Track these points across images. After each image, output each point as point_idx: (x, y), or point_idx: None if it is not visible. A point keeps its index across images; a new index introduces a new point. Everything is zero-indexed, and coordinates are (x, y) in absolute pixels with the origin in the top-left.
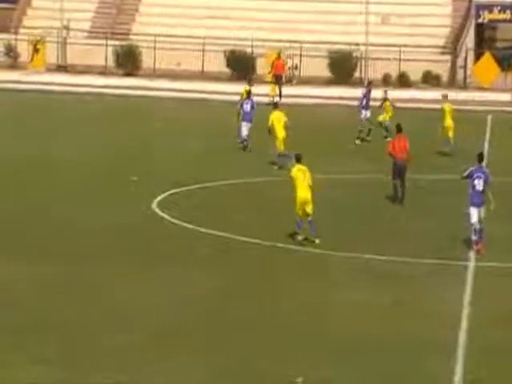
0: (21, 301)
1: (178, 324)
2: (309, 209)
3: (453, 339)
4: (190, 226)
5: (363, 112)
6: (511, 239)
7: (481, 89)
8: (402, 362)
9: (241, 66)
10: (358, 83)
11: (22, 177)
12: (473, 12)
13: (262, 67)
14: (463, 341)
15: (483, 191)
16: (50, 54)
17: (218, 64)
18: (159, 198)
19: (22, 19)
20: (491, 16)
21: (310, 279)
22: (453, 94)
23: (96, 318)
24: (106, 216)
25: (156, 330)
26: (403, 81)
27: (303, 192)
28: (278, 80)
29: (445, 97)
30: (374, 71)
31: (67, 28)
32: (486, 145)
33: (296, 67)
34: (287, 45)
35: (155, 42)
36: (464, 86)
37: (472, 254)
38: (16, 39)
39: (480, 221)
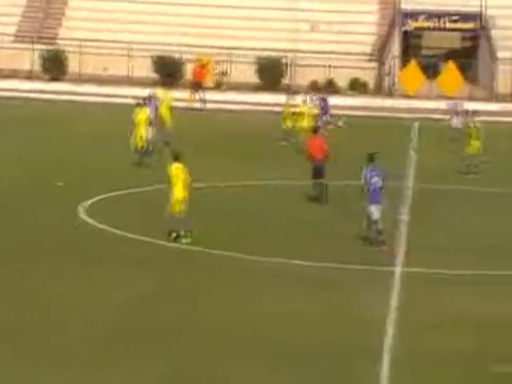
0: None
1: (110, 328)
2: (182, 206)
3: (379, 345)
4: (118, 232)
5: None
6: (436, 245)
7: (407, 96)
8: (329, 367)
9: (168, 71)
10: (286, 90)
11: None
12: (399, 20)
13: (191, 73)
14: (389, 347)
15: (382, 188)
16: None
17: (145, 69)
18: (86, 204)
19: None
20: (417, 24)
21: (239, 285)
22: (379, 102)
23: (30, 319)
24: (31, 221)
25: (91, 333)
26: (330, 87)
27: (180, 190)
28: (197, 87)
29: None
30: (302, 78)
31: None
32: (413, 152)
33: (225, 73)
34: (216, 51)
35: (81, 46)
36: (390, 94)
37: (399, 260)
38: None
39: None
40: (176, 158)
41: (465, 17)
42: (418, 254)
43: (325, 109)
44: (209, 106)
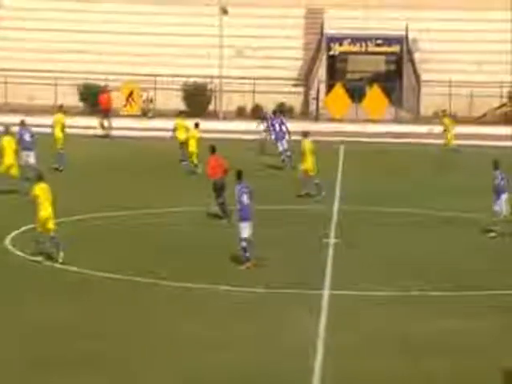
0: None
1: (29, 357)
2: (51, 224)
3: (307, 369)
4: (47, 263)
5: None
6: (362, 266)
7: (333, 120)
8: None
9: (95, 99)
10: (213, 115)
11: None
12: (324, 44)
13: (117, 101)
14: (318, 370)
15: (249, 205)
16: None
17: (71, 98)
18: (12, 235)
19: None
20: (342, 48)
21: (166, 311)
22: (306, 126)
23: None
24: None
25: (13, 362)
26: (257, 113)
27: (46, 209)
28: (105, 114)
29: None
30: (229, 104)
31: None
32: (339, 175)
33: (151, 100)
34: (142, 78)
35: (7, 76)
36: (316, 118)
37: (326, 283)
38: None
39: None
40: (39, 178)
41: (389, 40)
42: (345, 277)
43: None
44: (136, 133)
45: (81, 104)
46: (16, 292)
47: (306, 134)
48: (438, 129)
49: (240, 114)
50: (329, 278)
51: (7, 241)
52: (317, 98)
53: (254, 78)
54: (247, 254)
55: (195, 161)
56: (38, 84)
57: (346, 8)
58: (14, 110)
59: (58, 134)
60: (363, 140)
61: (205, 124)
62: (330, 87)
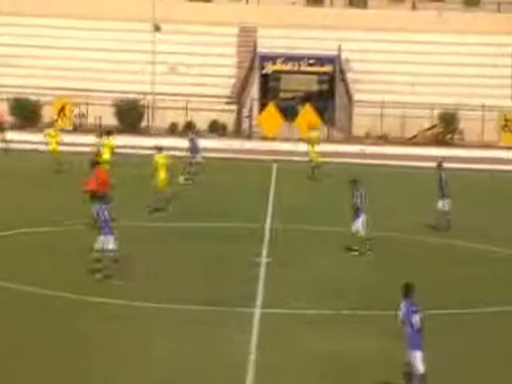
0: None
1: None
2: None
3: None
4: None
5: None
6: (294, 285)
7: (265, 138)
8: None
9: (26, 113)
10: (145, 132)
11: None
12: (257, 63)
13: (48, 115)
14: None
15: (111, 220)
16: None
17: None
18: None
19: None
20: (275, 67)
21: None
22: (238, 144)
23: None
24: None
25: None
26: (190, 130)
27: None
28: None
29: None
30: (162, 120)
31: None
32: (271, 193)
33: (83, 115)
34: (74, 93)
35: None
36: (249, 136)
37: (258, 302)
38: None
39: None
40: None
41: (321, 60)
42: (277, 295)
43: (195, 148)
44: (66, 148)
45: (9, 118)
46: None
47: (159, 149)
48: (369, 149)
49: (172, 130)
50: (260, 296)
51: None
52: (250, 117)
53: (187, 95)
54: (98, 265)
55: None
56: None
57: (279, 27)
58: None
59: None
60: (296, 159)
61: (136, 140)
62: (262, 106)
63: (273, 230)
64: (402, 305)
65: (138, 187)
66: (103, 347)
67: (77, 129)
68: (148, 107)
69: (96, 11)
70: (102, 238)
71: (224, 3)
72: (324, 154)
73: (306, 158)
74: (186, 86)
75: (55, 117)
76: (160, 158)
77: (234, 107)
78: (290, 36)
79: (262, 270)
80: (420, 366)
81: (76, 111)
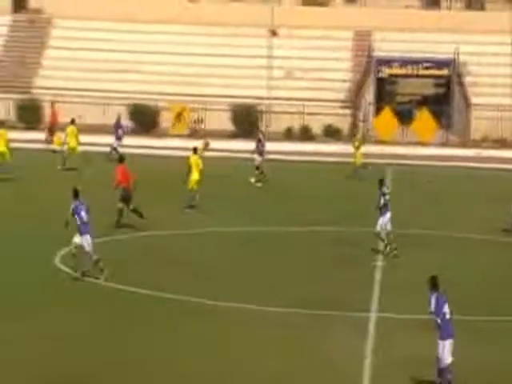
0: None
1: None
2: None
3: None
4: (87, 279)
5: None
6: (409, 289)
7: (381, 142)
8: None
9: (144, 119)
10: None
11: None
12: (373, 67)
13: (166, 121)
14: None
15: (87, 221)
16: None
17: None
18: (62, 252)
19: None
20: (391, 71)
21: (204, 332)
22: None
23: None
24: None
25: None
26: (306, 134)
27: None
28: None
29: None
30: (277, 125)
31: None
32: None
33: (200, 121)
34: (192, 98)
35: (57, 95)
36: (364, 140)
37: (373, 305)
38: None
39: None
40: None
41: (438, 63)
42: (392, 299)
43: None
44: (184, 153)
45: (130, 124)
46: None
47: (195, 150)
48: (486, 153)
49: (288, 135)
50: (375, 299)
51: (58, 257)
52: (365, 121)
53: (303, 100)
54: (97, 267)
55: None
56: (88, 104)
57: (394, 30)
58: (62, 129)
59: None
60: (411, 162)
61: (252, 145)
62: (378, 110)
63: (389, 234)
64: (433, 296)
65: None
66: (218, 350)
67: (193, 134)
68: (264, 112)
69: (213, 17)
70: (83, 238)
71: (339, 7)
72: (440, 158)
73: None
74: (302, 90)
75: (172, 122)
76: (194, 159)
77: (348, 111)
78: (406, 39)
79: (378, 273)
80: (448, 356)
81: (193, 117)
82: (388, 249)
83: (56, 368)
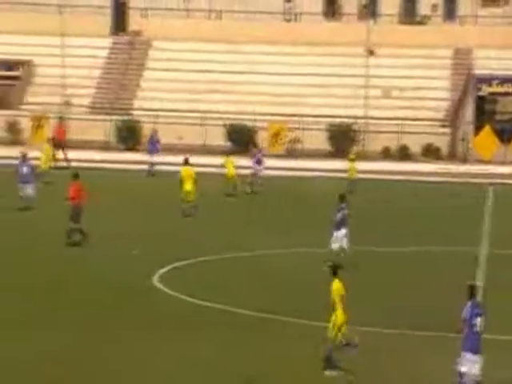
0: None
1: None
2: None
3: None
4: (191, 299)
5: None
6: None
7: (481, 161)
8: None
9: (241, 139)
10: (358, 156)
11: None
12: (472, 85)
13: (263, 140)
14: None
15: None
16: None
17: (218, 137)
18: (161, 272)
19: (25, 95)
20: (491, 89)
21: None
22: (453, 167)
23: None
24: (108, 280)
25: None
26: (403, 154)
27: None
28: (59, 145)
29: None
30: (374, 144)
31: (68, 103)
32: (488, 217)
33: (298, 140)
34: (288, 118)
35: (156, 116)
36: (464, 159)
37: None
38: (18, 115)
39: None
40: None
41: None
42: (495, 320)
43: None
44: (282, 173)
45: (228, 144)
46: (160, 328)
47: (186, 162)
48: None
49: (385, 154)
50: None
51: (156, 277)
52: (465, 140)
53: (400, 119)
54: None
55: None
56: (187, 124)
57: (495, 48)
58: (164, 150)
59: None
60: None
61: (347, 165)
62: (477, 128)
63: (490, 255)
64: (468, 305)
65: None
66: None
67: (290, 154)
68: (361, 131)
69: (310, 37)
70: None
71: (438, 25)
72: None
73: None
74: (399, 109)
75: (270, 142)
76: (185, 171)
77: (447, 130)
78: (507, 57)
79: (479, 294)
80: (466, 369)
81: (289, 136)
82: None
83: None
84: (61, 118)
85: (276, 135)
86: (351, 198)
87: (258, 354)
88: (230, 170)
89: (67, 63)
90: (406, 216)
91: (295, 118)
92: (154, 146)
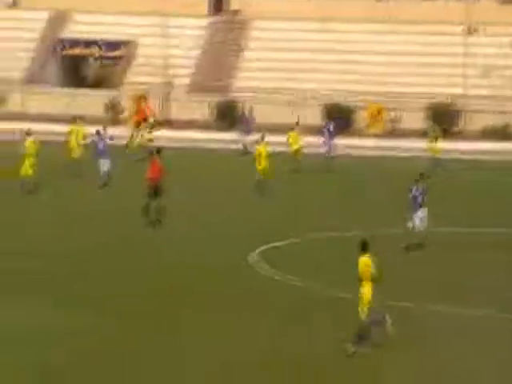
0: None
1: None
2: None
3: None
4: (289, 277)
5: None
6: None
7: None
8: None
9: (341, 118)
10: (457, 136)
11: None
12: None
13: (361, 120)
14: None
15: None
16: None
17: (316, 117)
18: (260, 249)
19: (126, 75)
20: None
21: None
22: None
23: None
24: (203, 262)
25: None
26: (504, 133)
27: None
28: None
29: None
30: (474, 123)
31: (170, 83)
32: None
33: (396, 120)
34: (387, 98)
35: (254, 96)
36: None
37: None
38: (119, 95)
39: None
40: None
41: None
42: None
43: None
44: (380, 152)
45: (324, 123)
46: (257, 309)
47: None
48: None
49: (485, 134)
50: None
51: (255, 255)
52: None
53: (501, 98)
54: None
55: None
56: (284, 104)
57: None
58: (261, 129)
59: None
60: None
61: (450, 144)
62: None
63: None
64: None
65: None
66: None
67: (389, 134)
68: (460, 111)
69: (406, 15)
70: None
71: None
72: None
73: None
74: (500, 88)
75: (367, 121)
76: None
77: None
78: None
79: None
80: None
81: (389, 116)
82: None
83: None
84: (143, 98)
85: (375, 115)
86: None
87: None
88: (294, 145)
89: (168, 43)
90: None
91: (394, 98)
92: (248, 125)
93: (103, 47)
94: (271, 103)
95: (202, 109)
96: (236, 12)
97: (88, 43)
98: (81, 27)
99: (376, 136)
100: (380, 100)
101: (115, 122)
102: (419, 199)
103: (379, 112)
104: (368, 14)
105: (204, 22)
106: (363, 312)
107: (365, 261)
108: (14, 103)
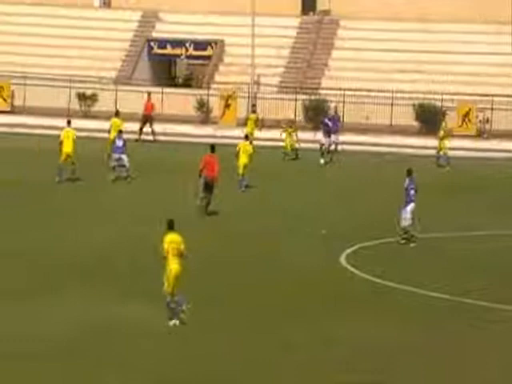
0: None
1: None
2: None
3: None
4: (378, 280)
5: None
6: None
7: None
8: None
9: (430, 119)
10: None
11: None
12: None
13: (452, 120)
14: None
15: None
16: (241, 108)
17: (406, 117)
18: (348, 251)
19: (214, 75)
20: None
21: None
22: None
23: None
24: (291, 261)
25: None
26: None
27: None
28: (146, 120)
29: None
30: None
31: (258, 83)
32: None
33: (487, 121)
34: (478, 98)
35: (344, 96)
36: None
37: None
38: (208, 94)
39: None
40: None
41: None
42: None
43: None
44: (471, 154)
45: (416, 124)
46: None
47: (246, 137)
48: None
49: None
50: None
51: (342, 258)
52: None
53: None
54: None
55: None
56: (374, 104)
57: None
58: (350, 130)
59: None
60: None
61: None
62: None
63: None
64: None
65: None
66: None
67: (480, 134)
68: None
69: (501, 16)
70: None
71: None
72: None
73: None
74: None
75: (458, 122)
76: (243, 145)
77: None
78: None
79: None
80: None
81: (480, 117)
82: None
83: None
84: (148, 94)
85: (465, 115)
86: None
87: (451, 338)
88: (287, 141)
89: (257, 43)
90: None
91: (486, 98)
92: (335, 125)
93: (191, 47)
94: (360, 103)
95: (291, 108)
96: (326, 11)
97: (177, 43)
98: (170, 27)
99: (467, 137)
100: (471, 100)
101: (205, 121)
102: (411, 193)
103: (469, 112)
104: (463, 14)
105: (294, 21)
106: (168, 285)
107: (173, 238)
108: (106, 102)
